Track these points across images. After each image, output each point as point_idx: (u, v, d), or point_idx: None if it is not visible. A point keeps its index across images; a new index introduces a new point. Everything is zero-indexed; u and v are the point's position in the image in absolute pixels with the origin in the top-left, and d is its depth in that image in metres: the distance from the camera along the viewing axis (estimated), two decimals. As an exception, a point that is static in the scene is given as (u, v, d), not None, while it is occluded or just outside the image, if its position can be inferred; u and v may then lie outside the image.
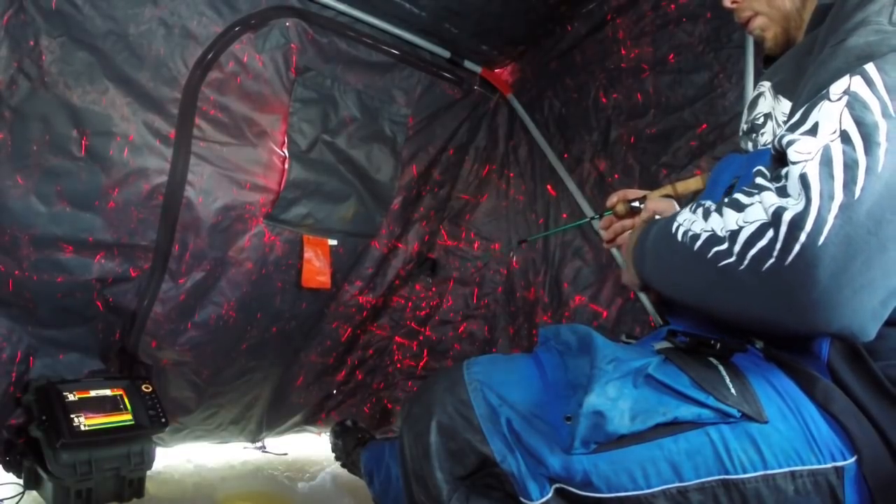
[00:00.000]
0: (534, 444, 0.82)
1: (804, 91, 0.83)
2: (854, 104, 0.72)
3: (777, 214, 0.72)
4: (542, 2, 2.06)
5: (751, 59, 1.64)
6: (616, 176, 2.05)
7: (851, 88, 0.73)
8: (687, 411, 0.80)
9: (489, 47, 2.28)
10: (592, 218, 1.50)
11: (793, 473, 0.77)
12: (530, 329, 2.37)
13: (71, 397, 1.58)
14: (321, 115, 1.96)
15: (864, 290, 0.69)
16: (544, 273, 2.31)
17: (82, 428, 1.55)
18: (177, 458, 2.08)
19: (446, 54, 2.22)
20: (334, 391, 2.39)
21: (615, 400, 0.80)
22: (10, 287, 1.53)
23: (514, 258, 2.46)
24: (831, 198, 0.69)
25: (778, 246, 0.71)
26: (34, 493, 1.62)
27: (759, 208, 0.76)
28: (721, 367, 0.84)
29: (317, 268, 2.03)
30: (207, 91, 1.73)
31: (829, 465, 0.78)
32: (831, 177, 0.70)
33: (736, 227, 0.78)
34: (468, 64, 2.31)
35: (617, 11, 2.05)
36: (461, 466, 0.86)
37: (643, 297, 1.84)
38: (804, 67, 0.88)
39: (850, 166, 0.69)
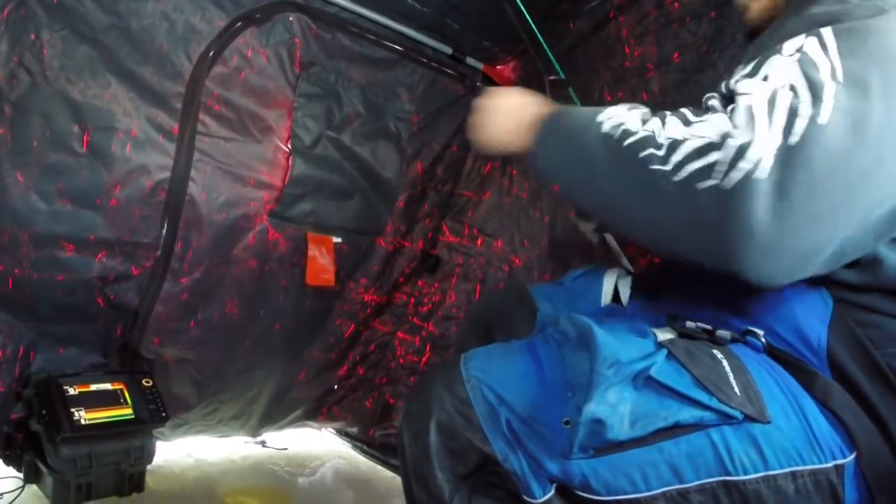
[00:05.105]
0: (532, 447, 0.81)
1: (758, 48, 0.84)
2: (804, 62, 0.73)
3: (725, 137, 0.73)
4: (544, -2, 2.05)
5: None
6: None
7: (804, 48, 0.74)
8: (689, 415, 0.79)
9: (491, 44, 2.26)
10: None
11: (794, 474, 0.77)
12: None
13: (71, 391, 1.58)
14: (325, 110, 1.94)
15: (791, 233, 0.70)
16: (552, 273, 2.30)
17: (82, 422, 1.55)
18: (177, 453, 2.09)
19: (448, 50, 2.21)
20: (335, 386, 2.38)
21: (615, 405, 0.79)
22: (10, 286, 1.53)
23: (517, 256, 2.44)
24: (772, 138, 0.70)
25: (723, 168, 0.72)
26: (34, 487, 1.63)
27: (708, 127, 0.77)
28: (725, 363, 0.83)
29: (321, 265, 2.02)
30: (211, 86, 1.71)
31: (829, 465, 0.77)
32: (775, 119, 0.71)
33: (680, 138, 0.77)
34: (470, 60, 2.29)
35: (619, 9, 2.03)
36: (462, 465, 0.86)
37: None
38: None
39: (794, 113, 0.71)
